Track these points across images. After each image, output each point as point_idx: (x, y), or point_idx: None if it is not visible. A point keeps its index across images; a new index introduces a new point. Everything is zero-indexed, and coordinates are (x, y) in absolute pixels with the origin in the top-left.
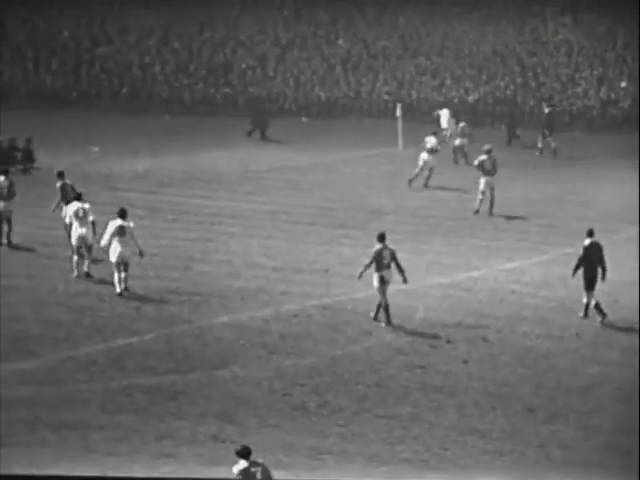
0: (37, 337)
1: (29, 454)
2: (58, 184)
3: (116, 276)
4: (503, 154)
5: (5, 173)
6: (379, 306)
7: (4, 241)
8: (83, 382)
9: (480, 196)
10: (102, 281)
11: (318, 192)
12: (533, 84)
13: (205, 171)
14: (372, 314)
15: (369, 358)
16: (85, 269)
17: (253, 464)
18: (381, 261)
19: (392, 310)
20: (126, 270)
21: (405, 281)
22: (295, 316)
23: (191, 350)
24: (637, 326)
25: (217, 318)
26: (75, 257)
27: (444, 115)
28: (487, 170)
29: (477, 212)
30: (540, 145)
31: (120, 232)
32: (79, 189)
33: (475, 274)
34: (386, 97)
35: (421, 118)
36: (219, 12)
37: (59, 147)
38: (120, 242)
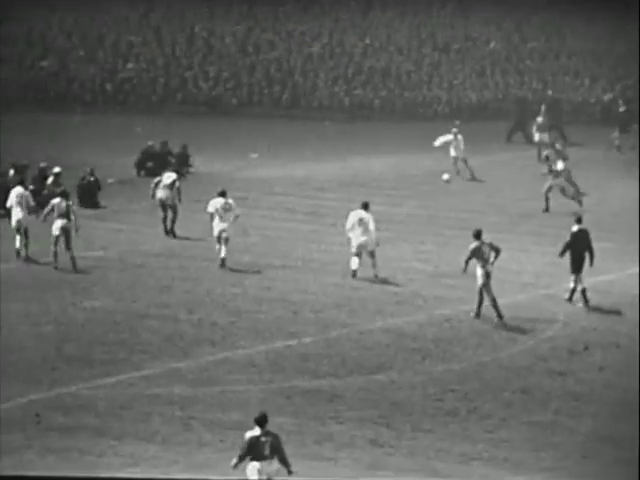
0: (192, 338)
1: (186, 454)
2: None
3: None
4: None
5: (177, 172)
6: (480, 304)
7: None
8: (241, 383)
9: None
10: (258, 285)
11: (469, 196)
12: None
13: (362, 176)
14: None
15: (513, 364)
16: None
17: (266, 434)
18: (482, 257)
19: (536, 316)
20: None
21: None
22: (447, 320)
23: (349, 354)
24: None
25: (373, 323)
26: (217, 246)
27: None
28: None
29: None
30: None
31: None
32: (240, 194)
33: (610, 277)
34: (530, 98)
35: (562, 118)
36: (378, 18)
37: (218, 153)
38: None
